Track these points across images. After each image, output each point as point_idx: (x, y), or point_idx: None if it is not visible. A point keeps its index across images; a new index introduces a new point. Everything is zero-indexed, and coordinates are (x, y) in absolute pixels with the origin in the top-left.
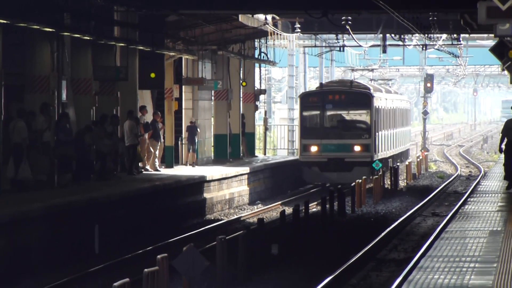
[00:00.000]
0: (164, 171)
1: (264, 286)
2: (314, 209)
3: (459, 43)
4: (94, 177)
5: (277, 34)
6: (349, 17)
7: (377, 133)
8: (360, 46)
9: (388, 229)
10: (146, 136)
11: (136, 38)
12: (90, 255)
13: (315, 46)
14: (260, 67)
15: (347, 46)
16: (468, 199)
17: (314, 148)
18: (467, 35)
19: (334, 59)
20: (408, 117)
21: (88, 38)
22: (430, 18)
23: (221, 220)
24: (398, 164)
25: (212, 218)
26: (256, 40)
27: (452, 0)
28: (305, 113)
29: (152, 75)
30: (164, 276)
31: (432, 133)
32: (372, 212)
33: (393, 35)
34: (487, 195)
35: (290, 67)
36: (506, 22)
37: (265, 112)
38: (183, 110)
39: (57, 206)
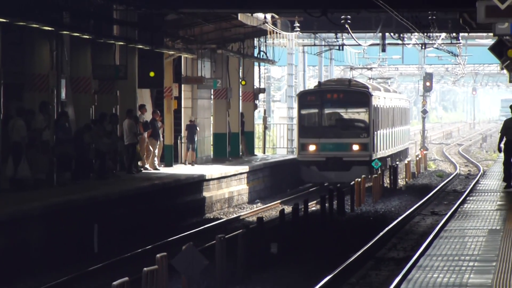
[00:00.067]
0: (163, 170)
1: (263, 285)
2: (313, 208)
3: (458, 42)
4: (93, 176)
5: (276, 33)
6: (348, 16)
7: (375, 132)
8: (359, 45)
9: (387, 228)
10: (146, 135)
11: (136, 37)
12: (89, 254)
13: (315, 45)
14: (259, 66)
15: (346, 45)
16: (467, 198)
17: (312, 147)
18: (466, 34)
19: (333, 58)
20: (407, 116)
21: (87, 36)
22: (429, 17)
23: (221, 219)
24: (397, 163)
25: (212, 217)
26: (255, 39)
27: None
28: (303, 112)
29: (151, 74)
30: (163, 275)
31: (431, 132)
32: (371, 211)
33: (392, 34)
34: (486, 194)
35: (290, 66)
36: (505, 21)
37: (265, 111)
38: (182, 109)
39: (56, 205)
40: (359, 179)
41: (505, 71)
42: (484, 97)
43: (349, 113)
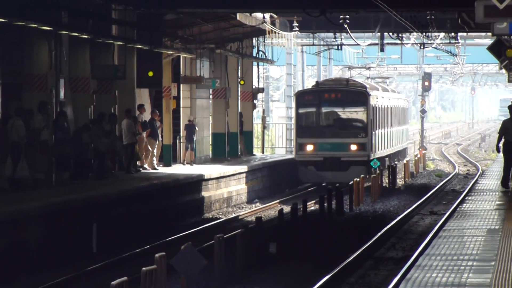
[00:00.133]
0: (162, 170)
1: (262, 284)
2: (312, 208)
3: (456, 41)
4: (92, 176)
5: (275, 32)
6: (347, 16)
7: (373, 132)
8: (358, 44)
9: (386, 228)
10: (144, 134)
11: (134, 36)
12: (88, 254)
13: (313, 44)
14: (258, 65)
15: (345, 45)
16: (466, 198)
17: (310, 147)
18: (464, 34)
19: (332, 57)
20: (406, 116)
21: (86, 36)
22: (428, 17)
23: (219, 218)
24: (396, 162)
25: (210, 216)
26: (254, 38)
27: None
28: (301, 112)
29: (150, 73)
30: (162, 275)
31: (430, 132)
32: (370, 210)
33: (391, 33)
34: (485, 193)
35: (288, 65)
36: (504, 21)
37: (263, 110)
38: (181, 109)
39: (55, 204)
40: (358, 179)
41: (503, 70)
42: (482, 97)
43: (347, 113)
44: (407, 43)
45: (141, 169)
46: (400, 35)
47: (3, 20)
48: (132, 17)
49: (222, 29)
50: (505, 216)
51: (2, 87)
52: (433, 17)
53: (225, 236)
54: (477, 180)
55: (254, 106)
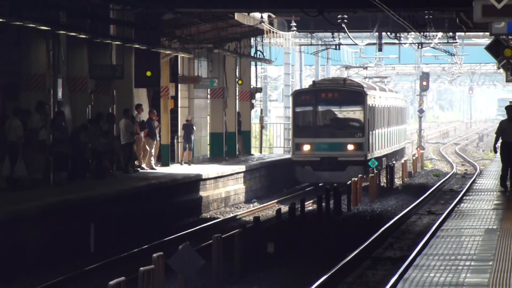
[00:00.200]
0: (160, 170)
1: (260, 284)
2: (310, 207)
3: (454, 41)
4: (89, 176)
5: (273, 32)
6: (345, 16)
7: (370, 132)
8: (356, 44)
9: (384, 227)
10: (142, 134)
11: (132, 36)
12: (86, 254)
13: (311, 44)
14: (256, 65)
15: (343, 45)
16: (464, 197)
17: (306, 147)
18: (462, 34)
19: (330, 57)
20: (404, 116)
21: (84, 36)
22: (426, 17)
23: (217, 218)
24: (394, 162)
25: (208, 216)
26: (252, 38)
27: None
28: (297, 112)
29: (148, 73)
30: (159, 275)
31: (427, 131)
32: (368, 210)
33: (389, 33)
34: (482, 193)
35: (286, 65)
36: (502, 21)
37: (261, 110)
38: (179, 109)
39: (53, 204)
40: (356, 179)
41: (501, 70)
42: (480, 97)
43: (344, 113)
44: (405, 43)
45: (139, 169)
46: (398, 34)
47: (1, 20)
48: (130, 17)
49: (220, 28)
50: (503, 215)
51: (0, 87)
52: (431, 16)
53: (223, 236)
54: (475, 179)
55: (252, 106)
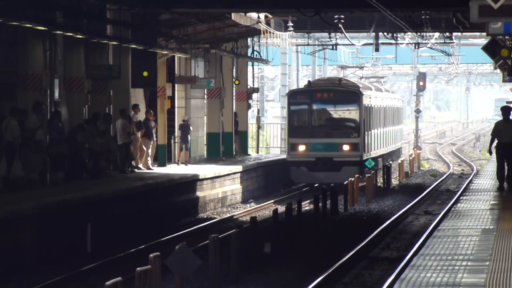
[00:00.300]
0: (157, 170)
1: (256, 284)
2: (306, 208)
3: (451, 41)
4: (86, 176)
5: (270, 32)
6: (342, 16)
7: (366, 132)
8: (352, 44)
9: (380, 228)
10: (139, 134)
11: (129, 36)
12: (83, 254)
13: (308, 44)
14: (253, 65)
15: (339, 45)
16: (461, 198)
17: (302, 147)
18: (459, 34)
19: (327, 57)
20: (400, 116)
21: (80, 36)
22: (423, 17)
23: (214, 218)
24: (390, 162)
25: (205, 216)
26: (249, 38)
27: None
28: (292, 112)
29: (145, 73)
30: (156, 275)
31: (424, 131)
32: (364, 210)
33: (385, 33)
34: (479, 193)
35: (283, 65)
36: (498, 21)
37: (258, 110)
38: (176, 109)
39: (50, 204)
40: (352, 179)
41: (498, 70)
42: (477, 97)
43: (339, 113)
44: (402, 43)
45: (135, 169)
46: (395, 35)
47: None
48: (127, 17)
49: (217, 29)
50: (499, 216)
51: None
52: (427, 17)
53: (219, 236)
54: (471, 180)
55: (249, 106)
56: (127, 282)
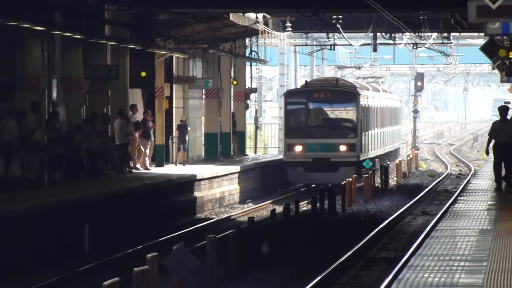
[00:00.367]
0: (155, 170)
1: (254, 285)
2: (304, 208)
3: (449, 41)
4: (84, 176)
5: (268, 32)
6: (340, 16)
7: (363, 133)
8: (350, 45)
9: (378, 228)
10: (137, 135)
11: (127, 36)
12: (80, 254)
13: (306, 44)
14: (251, 65)
15: (337, 45)
16: (458, 198)
17: (298, 148)
18: (457, 34)
19: (325, 57)
20: (398, 116)
21: (78, 36)
22: (421, 17)
23: (212, 219)
24: (388, 163)
25: (203, 217)
26: (247, 38)
27: None
28: (289, 112)
29: (143, 73)
30: (154, 275)
31: (422, 132)
32: (362, 210)
33: (383, 34)
34: (477, 193)
35: (281, 65)
36: (496, 21)
37: (256, 110)
38: (174, 109)
39: (47, 205)
40: (350, 179)
41: (496, 70)
42: (475, 97)
43: (336, 113)
44: (399, 43)
45: (133, 169)
46: (393, 35)
47: None
48: (125, 17)
49: (215, 29)
50: (497, 216)
51: None
52: (425, 17)
53: (217, 237)
54: (469, 180)
55: (247, 106)
56: (125, 282)
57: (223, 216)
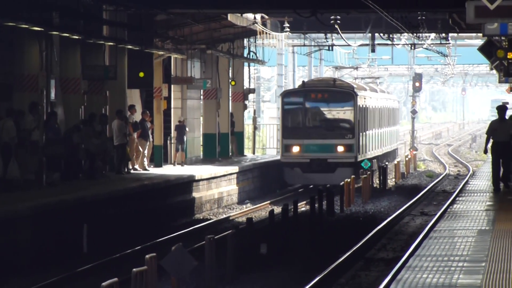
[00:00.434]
0: (153, 171)
1: (252, 285)
2: (303, 209)
3: (447, 42)
4: (82, 177)
5: (266, 33)
6: (338, 17)
7: (361, 133)
8: (349, 45)
9: (376, 229)
10: (135, 135)
11: (125, 37)
12: (79, 255)
13: (304, 45)
14: (249, 66)
15: (336, 46)
16: (457, 198)
17: (296, 149)
18: (455, 34)
19: (323, 58)
20: (396, 117)
21: (77, 37)
22: (419, 18)
23: (210, 219)
24: (386, 163)
25: (201, 217)
26: (245, 39)
27: (441, 0)
28: (286, 112)
29: (141, 74)
30: (152, 276)
31: (420, 132)
32: (361, 211)
33: (381, 34)
34: (475, 194)
35: (279, 66)
36: (494, 22)
37: (254, 111)
38: (172, 109)
39: (46, 205)
40: (349, 180)
41: (494, 71)
42: (473, 97)
43: (333, 114)
44: (398, 44)
45: (132, 169)
46: (391, 35)
47: None
48: (123, 17)
49: (213, 29)
50: (495, 217)
51: None
52: (424, 17)
53: (215, 237)
54: (467, 181)
55: (245, 107)
56: (123, 282)
57: (222, 217)
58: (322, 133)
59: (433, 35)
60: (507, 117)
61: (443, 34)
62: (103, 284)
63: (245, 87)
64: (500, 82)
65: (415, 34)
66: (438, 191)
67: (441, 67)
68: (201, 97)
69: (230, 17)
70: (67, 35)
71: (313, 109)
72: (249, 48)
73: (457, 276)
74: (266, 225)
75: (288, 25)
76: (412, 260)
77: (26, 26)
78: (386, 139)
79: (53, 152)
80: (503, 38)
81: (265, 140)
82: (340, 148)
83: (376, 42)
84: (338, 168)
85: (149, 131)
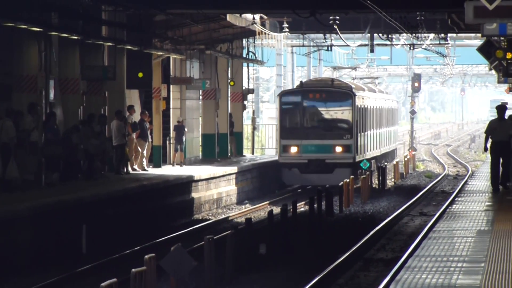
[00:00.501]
0: (152, 171)
1: (252, 286)
2: (302, 209)
3: (446, 42)
4: (81, 177)
5: (265, 33)
6: (337, 17)
7: (359, 133)
8: (347, 45)
9: (375, 229)
10: (134, 135)
11: (124, 37)
12: (78, 255)
13: (303, 45)
14: (248, 66)
15: (335, 46)
16: (456, 199)
17: (294, 149)
18: (454, 35)
19: (322, 58)
20: (395, 117)
21: (75, 37)
22: (418, 18)
23: (209, 220)
24: (385, 164)
25: (200, 217)
26: (244, 39)
27: (440, 0)
28: (284, 113)
29: (140, 74)
30: (151, 276)
31: (419, 133)
32: (360, 211)
33: (380, 34)
34: (474, 194)
35: (278, 66)
36: (493, 22)
37: (253, 111)
38: (171, 110)
39: (45, 205)
40: (348, 180)
41: (493, 71)
42: (472, 98)
43: (331, 114)
44: (397, 44)
45: (131, 170)
46: (390, 36)
47: None
48: (122, 18)
49: (212, 30)
50: (494, 217)
51: None
52: (422, 18)
53: (215, 237)
54: (466, 181)
55: (244, 107)
56: (123, 283)
57: (221, 217)
58: (320, 133)
59: (432, 35)
60: (506, 117)
61: (442, 35)
62: (102, 284)
63: (244, 88)
64: (499, 82)
65: (414, 35)
66: (437, 192)
67: (440, 68)
68: (200, 97)
69: (229, 17)
70: (66, 35)
71: (311, 109)
72: (248, 48)
73: (456, 276)
74: (265, 225)
75: (287, 25)
76: (411, 261)
77: (25, 27)
78: (385, 139)
79: (52, 153)
80: (502, 38)
81: (264, 141)
82: (338, 149)
83: (375, 42)
84: (336, 168)
85: (148, 132)
